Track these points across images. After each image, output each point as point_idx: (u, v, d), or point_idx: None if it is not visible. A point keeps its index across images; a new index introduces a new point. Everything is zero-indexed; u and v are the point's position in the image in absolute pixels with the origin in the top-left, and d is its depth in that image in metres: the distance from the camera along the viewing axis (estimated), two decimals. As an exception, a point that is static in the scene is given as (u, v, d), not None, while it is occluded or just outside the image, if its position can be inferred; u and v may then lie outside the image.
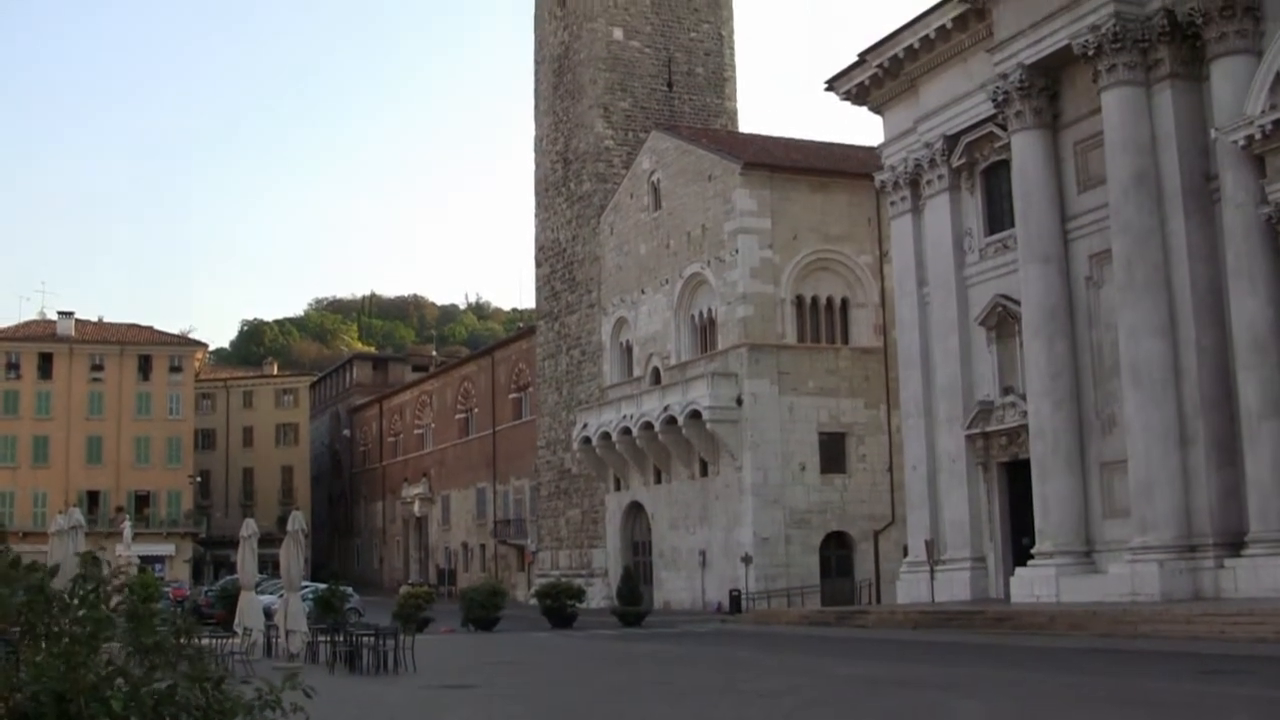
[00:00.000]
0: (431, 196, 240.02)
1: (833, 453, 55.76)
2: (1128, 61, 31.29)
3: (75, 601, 5.53)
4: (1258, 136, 28.36)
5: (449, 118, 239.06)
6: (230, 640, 26.70)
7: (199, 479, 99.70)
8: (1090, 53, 31.82)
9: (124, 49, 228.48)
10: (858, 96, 43.79)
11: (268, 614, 30.76)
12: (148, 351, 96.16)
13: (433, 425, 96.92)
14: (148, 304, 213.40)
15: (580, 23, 71.25)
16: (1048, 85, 34.38)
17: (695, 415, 55.64)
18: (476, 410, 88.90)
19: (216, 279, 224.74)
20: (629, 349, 65.40)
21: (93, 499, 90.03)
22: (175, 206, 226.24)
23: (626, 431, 60.11)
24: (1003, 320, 37.36)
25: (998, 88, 35.12)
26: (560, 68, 73.21)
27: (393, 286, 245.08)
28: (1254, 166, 28.86)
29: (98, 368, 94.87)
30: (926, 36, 39.35)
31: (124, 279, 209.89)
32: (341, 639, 26.67)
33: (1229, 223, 29.44)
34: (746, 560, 52.34)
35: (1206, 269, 30.26)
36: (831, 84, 44.63)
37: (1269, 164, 28.53)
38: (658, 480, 60.67)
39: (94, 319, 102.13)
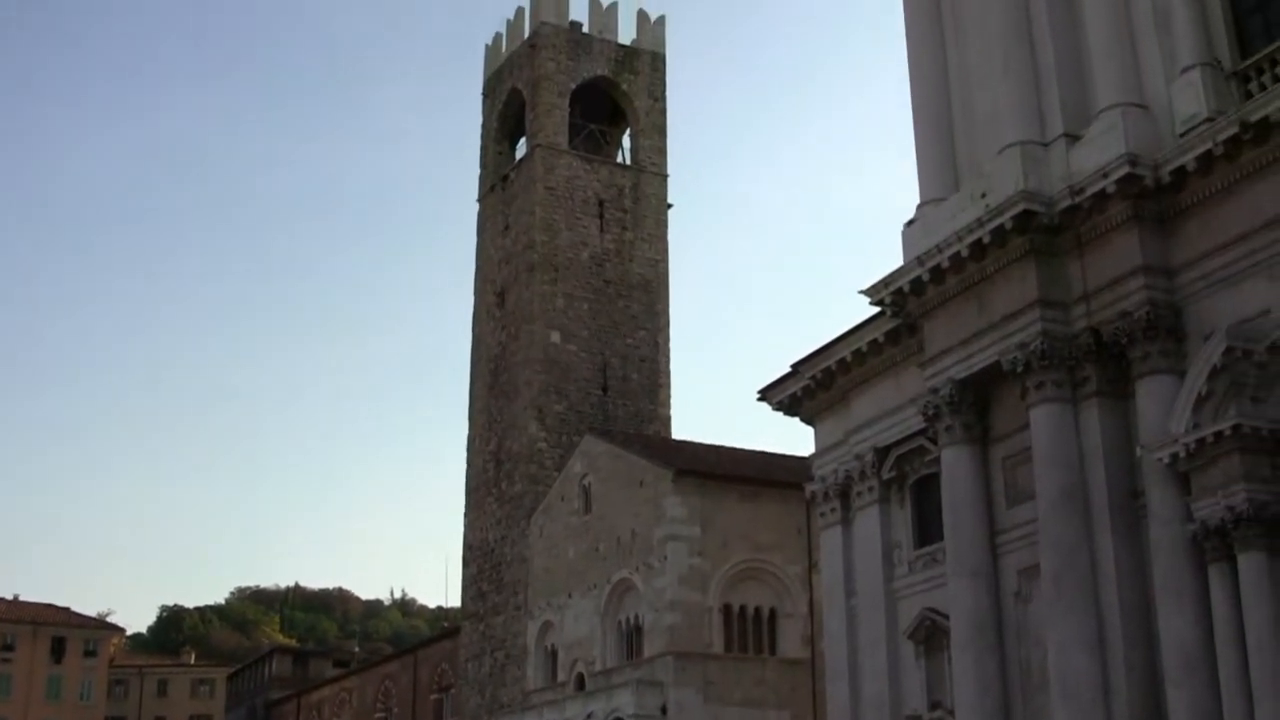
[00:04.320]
0: (360, 490, 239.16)
1: (759, 766, 54.62)
2: (1055, 379, 31.76)
3: None
4: (1182, 455, 28.67)
5: (382, 410, 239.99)
6: None
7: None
8: (1019, 370, 32.28)
9: (48, 324, 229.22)
10: (790, 407, 44.09)
11: None
12: (62, 633, 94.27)
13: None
14: (65, 583, 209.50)
15: (518, 324, 72.29)
16: (977, 400, 34.72)
17: (619, 723, 54.51)
18: (396, 710, 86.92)
19: (137, 561, 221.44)
20: (554, 653, 64.42)
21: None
22: (98, 485, 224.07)
23: (548, 738, 58.74)
24: (931, 634, 36.99)
25: (928, 402, 35.44)
26: (496, 368, 73.93)
27: (317, 578, 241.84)
28: (1180, 484, 29.10)
29: (8, 647, 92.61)
30: (859, 350, 39.87)
31: (42, 555, 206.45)
32: None
33: (1156, 539, 29.53)
34: None
35: (1135, 585, 30.19)
36: (764, 394, 44.95)
37: (1194, 482, 28.77)
38: (578, 790, 59.05)
39: (8, 596, 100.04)
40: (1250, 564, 27.71)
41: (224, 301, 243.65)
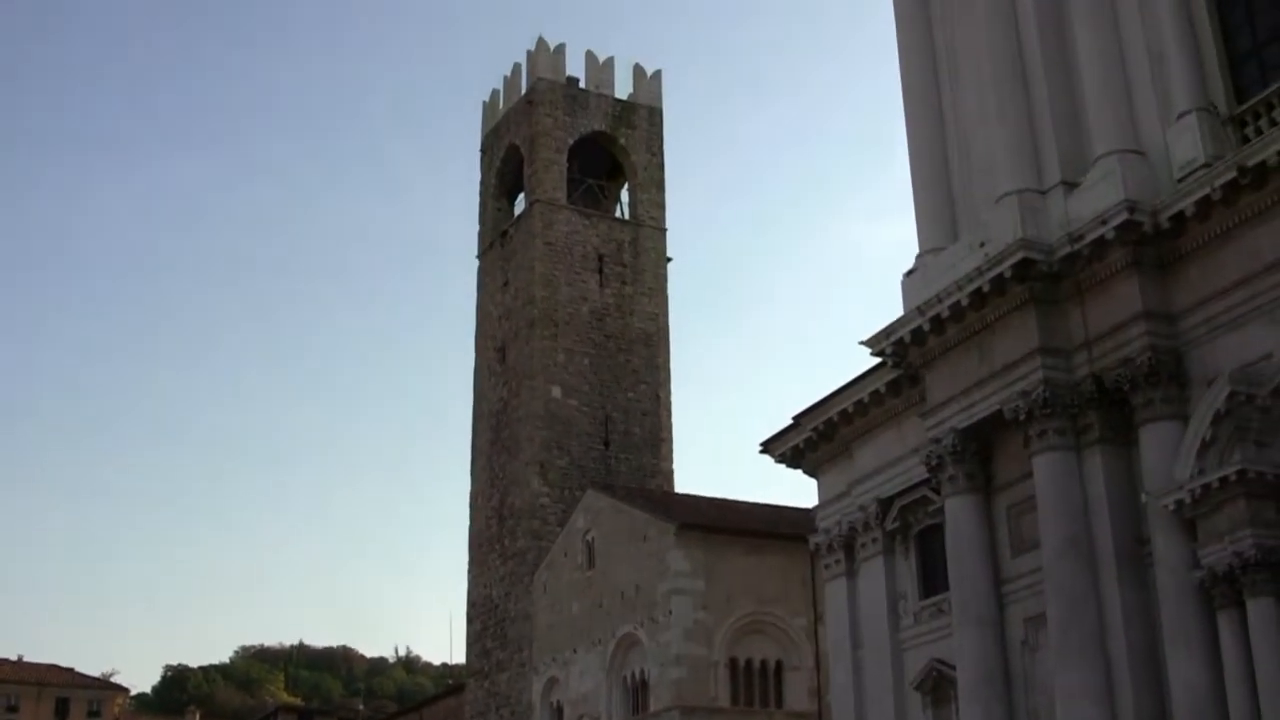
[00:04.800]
0: (363, 547, 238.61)
1: (766, 822, 54.22)
2: (1058, 427, 31.67)
3: None
4: (1187, 501, 28.57)
5: (384, 467, 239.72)
6: None
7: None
8: (1021, 418, 32.20)
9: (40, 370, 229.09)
10: (792, 459, 43.99)
11: None
12: (66, 694, 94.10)
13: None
14: (69, 643, 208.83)
15: (520, 380, 72.27)
16: (980, 449, 34.61)
17: (625, 780, 54.16)
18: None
19: (141, 621, 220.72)
20: (559, 709, 64.09)
21: None
22: (101, 544, 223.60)
23: (554, 796, 58.35)
24: (938, 685, 36.78)
25: (931, 452, 35.35)
26: (498, 423, 73.84)
27: (321, 636, 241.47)
28: (1185, 530, 28.96)
29: (12, 709, 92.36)
30: (860, 401, 39.82)
31: (45, 616, 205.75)
32: None
33: (1163, 586, 29.36)
34: None
35: (1142, 632, 29.99)
36: (766, 446, 44.85)
37: (1200, 528, 28.65)
38: None
39: (12, 657, 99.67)
40: (1259, 610, 27.54)
41: (225, 359, 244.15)
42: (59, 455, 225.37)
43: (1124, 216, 30.30)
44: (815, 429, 41.93)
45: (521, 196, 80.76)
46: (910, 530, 39.09)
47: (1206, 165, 29.81)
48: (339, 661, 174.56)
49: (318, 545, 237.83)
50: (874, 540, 39.88)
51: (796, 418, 42.88)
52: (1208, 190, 29.22)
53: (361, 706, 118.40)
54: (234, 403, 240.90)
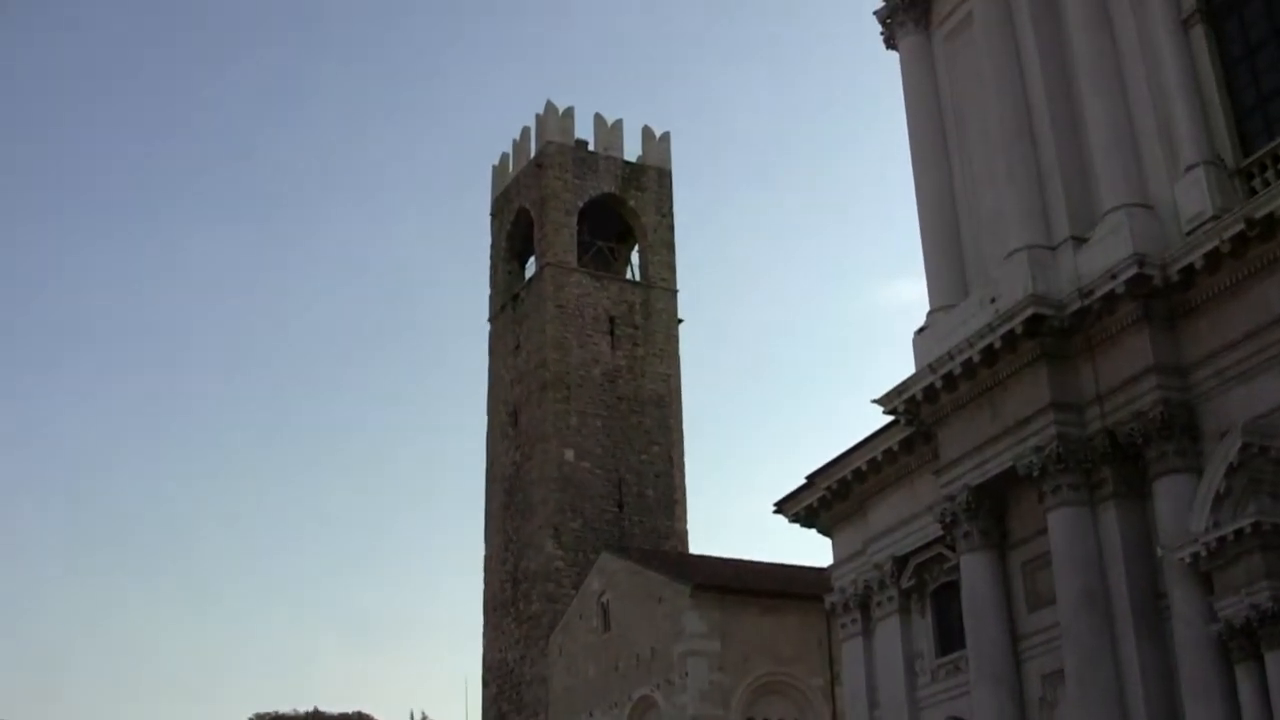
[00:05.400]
0: (377, 612, 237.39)
1: None
2: (1072, 482, 31.62)
3: None
4: (1203, 554, 28.47)
5: (397, 531, 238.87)
6: None
7: None
8: (1035, 474, 32.16)
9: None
10: (806, 519, 43.93)
11: None
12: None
13: None
14: (82, 710, 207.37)
15: (532, 443, 72.31)
16: (994, 506, 34.55)
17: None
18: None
19: (153, 687, 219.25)
20: (576, 774, 63.71)
21: None
22: (112, 611, 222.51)
23: None
24: (957, 743, 36.61)
25: (945, 509, 35.28)
26: (511, 487, 73.83)
27: (337, 702, 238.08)
28: (1202, 583, 28.84)
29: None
30: (873, 459, 39.78)
31: (54, 683, 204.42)
32: None
33: (1181, 640, 29.22)
34: None
35: (1161, 687, 29.81)
36: (780, 506, 44.77)
37: (1216, 580, 28.53)
38: None
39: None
40: (1278, 662, 27.40)
41: (236, 427, 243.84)
42: (59, 516, 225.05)
43: (1133, 270, 30.35)
44: (829, 488, 41.88)
45: (532, 260, 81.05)
46: (926, 588, 38.97)
47: (1215, 218, 29.86)
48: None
49: (331, 610, 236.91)
50: (890, 599, 39.77)
51: (810, 477, 42.82)
52: (1216, 243, 29.28)
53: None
54: (247, 468, 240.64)
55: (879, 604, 40.23)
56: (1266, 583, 27.70)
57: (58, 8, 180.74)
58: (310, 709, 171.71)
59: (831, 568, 43.58)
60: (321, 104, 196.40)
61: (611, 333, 76.84)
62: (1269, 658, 27.58)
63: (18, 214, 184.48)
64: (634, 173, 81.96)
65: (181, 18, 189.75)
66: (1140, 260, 30.38)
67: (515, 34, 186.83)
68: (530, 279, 79.90)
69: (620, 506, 71.68)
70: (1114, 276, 30.75)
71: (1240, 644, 28.11)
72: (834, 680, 53.98)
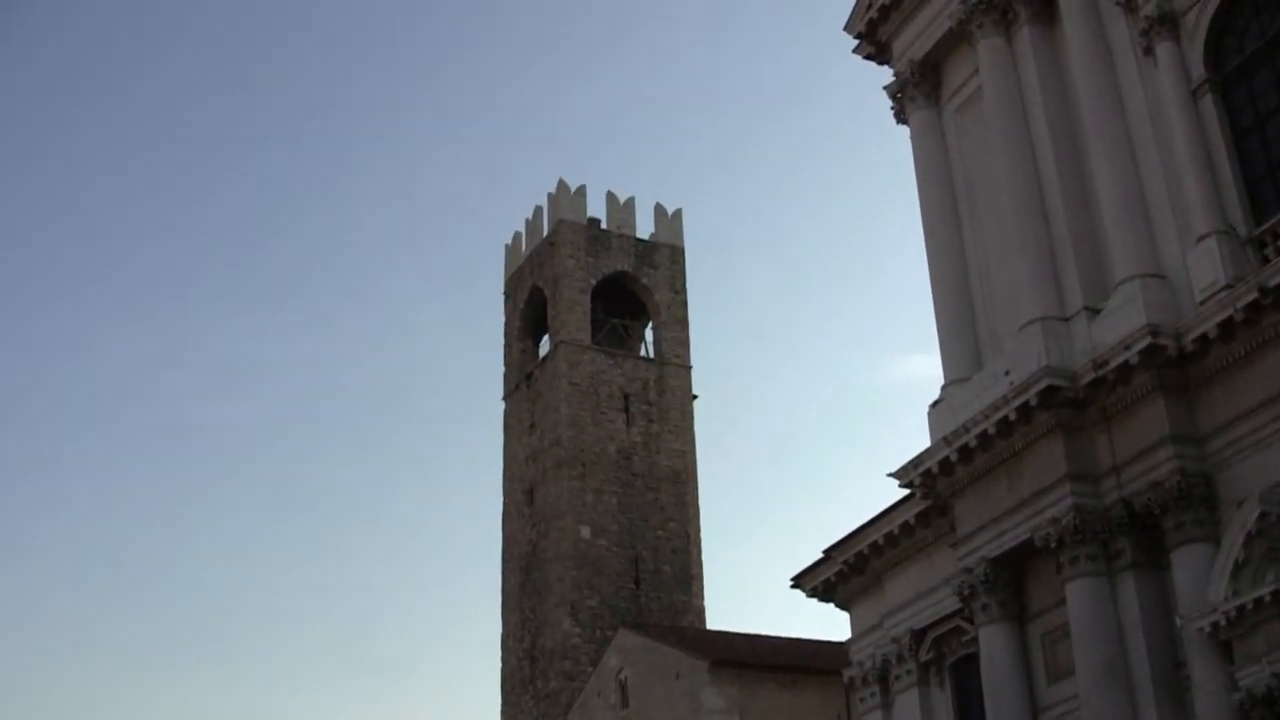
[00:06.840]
0: (393, 693, 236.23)
1: None
2: (1089, 553, 31.55)
3: None
4: (1223, 623, 28.36)
5: (413, 611, 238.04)
6: None
7: None
8: (1052, 545, 32.12)
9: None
10: (823, 593, 43.86)
11: None
12: None
13: None
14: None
15: (548, 521, 72.26)
16: (1012, 578, 34.47)
17: None
18: None
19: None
20: None
21: None
22: (123, 659, 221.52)
23: None
24: (979, 818, 36.30)
25: (962, 582, 35.22)
26: (528, 565, 73.72)
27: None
28: (1222, 653, 28.72)
29: None
30: (890, 533, 39.73)
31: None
32: None
33: (1202, 710, 29.04)
34: None
35: (1183, 759, 29.69)
36: (797, 581, 44.72)
37: (1237, 650, 28.41)
38: None
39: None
40: (1301, 731, 27.28)
41: (252, 511, 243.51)
42: (58, 572, 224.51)
43: (1147, 340, 30.44)
44: (846, 562, 41.82)
45: (546, 338, 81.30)
46: (944, 661, 38.80)
47: (1228, 287, 29.96)
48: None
49: (347, 691, 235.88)
50: (908, 672, 39.60)
51: (827, 551, 42.78)
52: (1230, 312, 29.37)
53: None
54: (263, 548, 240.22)
55: (898, 677, 40.07)
56: (1287, 651, 27.61)
57: (63, 106, 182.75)
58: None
59: (849, 642, 43.44)
60: (336, 185, 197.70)
61: (626, 410, 76.95)
62: (1292, 727, 27.45)
63: (31, 300, 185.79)
64: (647, 250, 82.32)
65: (196, 114, 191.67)
66: (1154, 330, 30.48)
67: (527, 113, 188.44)
68: (544, 357, 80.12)
69: (637, 583, 71.54)
70: (1128, 347, 30.82)
71: (1262, 713, 27.92)
72: (854, 756, 53.61)
